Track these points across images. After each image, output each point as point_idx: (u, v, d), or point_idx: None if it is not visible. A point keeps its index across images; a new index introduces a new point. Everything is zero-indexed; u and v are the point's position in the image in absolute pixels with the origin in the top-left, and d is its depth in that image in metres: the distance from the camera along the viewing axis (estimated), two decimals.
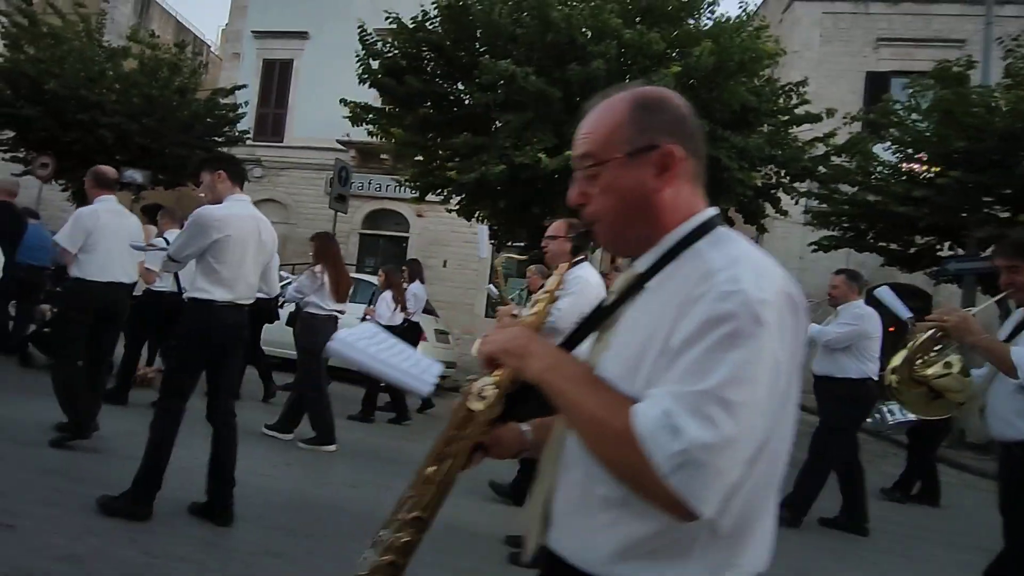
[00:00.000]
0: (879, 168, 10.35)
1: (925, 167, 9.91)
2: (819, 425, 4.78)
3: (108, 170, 4.51)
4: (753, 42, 7.60)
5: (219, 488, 3.29)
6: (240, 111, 14.28)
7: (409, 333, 7.09)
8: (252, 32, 18.68)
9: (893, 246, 11.23)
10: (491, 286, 9.31)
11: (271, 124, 18.47)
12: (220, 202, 3.34)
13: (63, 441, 4.01)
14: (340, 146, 17.51)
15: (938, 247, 10.96)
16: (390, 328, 6.48)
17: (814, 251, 12.18)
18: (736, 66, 7.48)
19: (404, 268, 7.42)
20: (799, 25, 15.97)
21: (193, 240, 3.26)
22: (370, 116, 9.57)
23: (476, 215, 10.14)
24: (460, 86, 9.01)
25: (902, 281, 13.53)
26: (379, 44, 9.11)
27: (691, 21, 8.12)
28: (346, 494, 4.16)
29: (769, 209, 9.87)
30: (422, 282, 7.52)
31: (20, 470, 3.60)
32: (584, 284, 3.31)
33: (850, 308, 4.79)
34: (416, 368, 1.11)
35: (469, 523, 3.62)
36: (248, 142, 15.62)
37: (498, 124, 8.45)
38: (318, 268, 5.34)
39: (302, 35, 18.53)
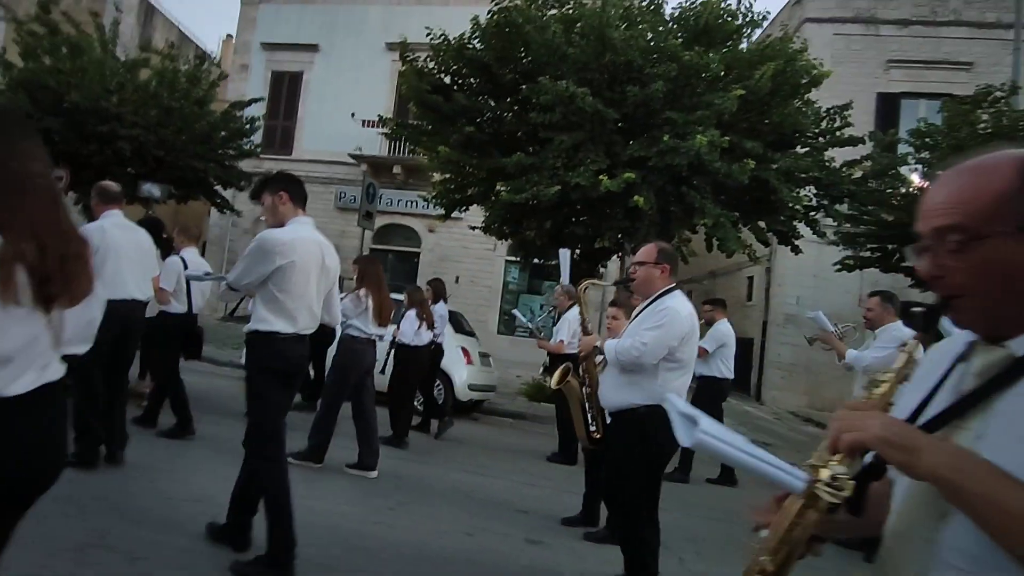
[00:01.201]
0: (910, 190, 10.44)
1: None
2: None
3: (112, 185, 4.33)
4: (808, 64, 7.64)
5: (241, 515, 3.13)
6: (257, 123, 14.05)
7: (436, 355, 6.91)
8: (261, 44, 18.51)
9: None
10: (517, 311, 9.14)
11: (279, 137, 18.23)
12: (282, 225, 3.11)
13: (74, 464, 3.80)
14: (351, 160, 17.35)
15: None
16: (417, 348, 6.45)
17: (838, 271, 12.26)
18: (791, 88, 7.50)
19: (428, 287, 7.28)
20: (811, 46, 16.16)
21: (255, 266, 3.02)
22: (407, 133, 9.41)
23: (502, 234, 9.97)
24: (496, 105, 8.91)
25: (921, 300, 13.72)
26: (420, 60, 8.98)
27: (743, 44, 8.14)
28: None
29: (802, 230, 9.91)
30: (445, 301, 7.39)
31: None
32: (674, 315, 3.07)
33: (888, 331, 4.69)
34: (783, 465, 1.01)
35: None
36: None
37: (531, 146, 8.39)
38: (362, 292, 5.25)
39: (312, 48, 18.39)
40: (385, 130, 9.75)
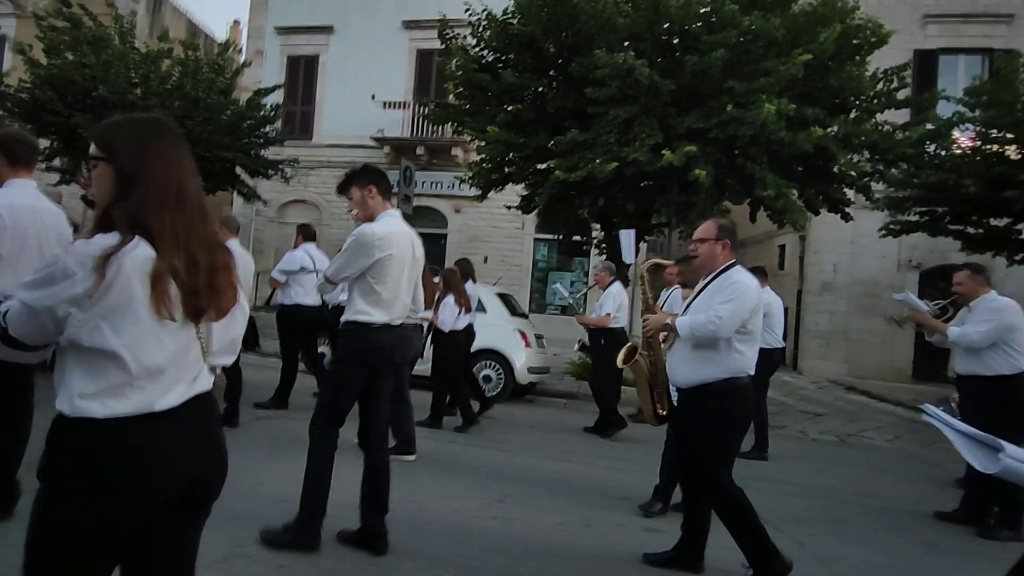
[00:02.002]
0: (961, 150, 10.13)
1: (1007, 148, 9.72)
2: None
3: None
4: (873, 23, 7.32)
5: (374, 516, 3.16)
6: (280, 110, 13.83)
7: (470, 337, 6.77)
8: (275, 28, 18.16)
9: (970, 229, 11.03)
10: (559, 285, 8.95)
11: (299, 123, 17.98)
12: (372, 219, 3.16)
13: None
14: (372, 143, 17.12)
15: (1016, 229, 10.76)
16: (454, 333, 6.30)
17: (883, 236, 12.00)
18: (852, 50, 7.21)
19: (456, 268, 7.11)
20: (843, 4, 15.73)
21: (356, 260, 3.10)
22: (449, 114, 9.18)
23: (550, 213, 9.77)
24: (540, 81, 8.63)
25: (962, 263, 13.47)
26: (462, 38, 8.71)
27: (796, 4, 7.79)
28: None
29: (852, 196, 9.65)
30: (474, 281, 7.28)
31: None
32: (744, 288, 3.14)
33: (984, 303, 4.56)
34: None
35: None
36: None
37: (578, 122, 8.14)
38: None
39: (327, 30, 18.03)
40: (427, 112, 9.46)
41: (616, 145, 7.42)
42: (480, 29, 8.65)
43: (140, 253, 1.28)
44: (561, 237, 11.34)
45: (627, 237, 5.19)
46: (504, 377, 7.95)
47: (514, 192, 11.45)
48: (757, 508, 3.16)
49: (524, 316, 8.92)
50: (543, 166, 9.22)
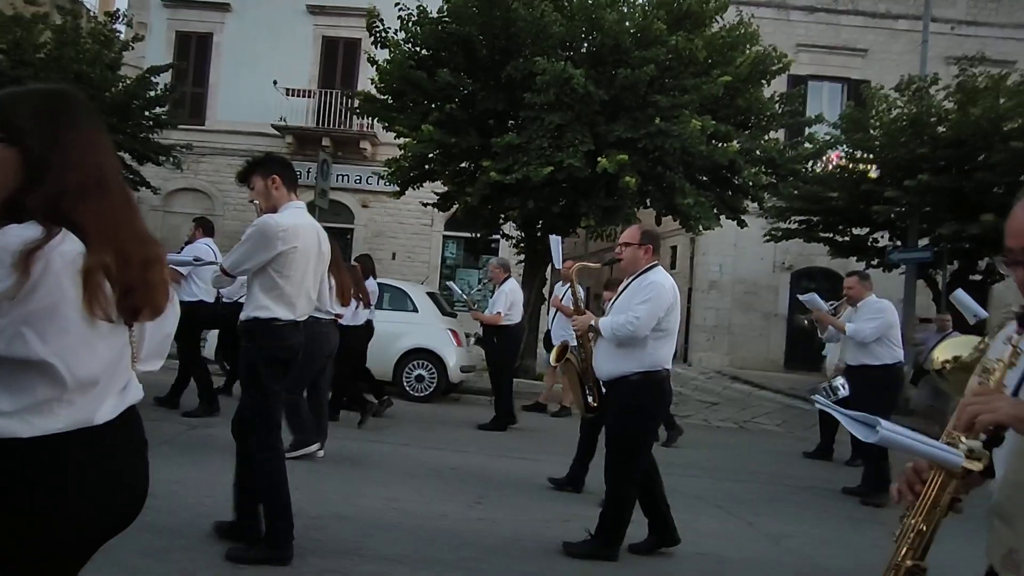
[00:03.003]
0: (831, 168, 11.54)
1: (868, 167, 11.25)
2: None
3: None
4: (780, 53, 8.16)
5: (248, 506, 3.09)
6: (174, 92, 12.81)
7: (369, 334, 6.77)
8: (161, 0, 16.70)
9: (837, 237, 12.56)
10: (452, 284, 9.13)
11: (189, 105, 16.67)
12: (275, 210, 3.04)
13: None
14: (274, 131, 16.29)
15: (873, 238, 12.40)
16: (355, 328, 6.27)
17: (767, 241, 13.34)
18: (759, 74, 8.01)
19: (356, 264, 7.12)
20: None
21: (256, 252, 2.96)
22: (375, 109, 9.03)
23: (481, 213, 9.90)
24: (473, 82, 8.76)
25: (825, 267, 15.28)
26: (392, 34, 8.59)
27: (713, 27, 8.50)
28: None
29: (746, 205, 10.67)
30: (374, 277, 7.32)
31: None
32: (659, 288, 3.37)
33: (870, 304, 5.35)
34: (942, 446, 1.24)
35: None
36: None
37: (507, 125, 8.36)
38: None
39: (223, 7, 16.86)
40: (356, 104, 9.24)
41: (549, 150, 7.72)
42: (410, 24, 8.60)
43: (69, 248, 1.11)
44: (479, 235, 11.50)
45: (556, 243, 5.47)
46: (437, 376, 8.01)
47: (430, 190, 11.49)
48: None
49: (453, 315, 9.00)
50: (465, 165, 9.36)
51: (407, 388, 7.98)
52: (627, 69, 7.46)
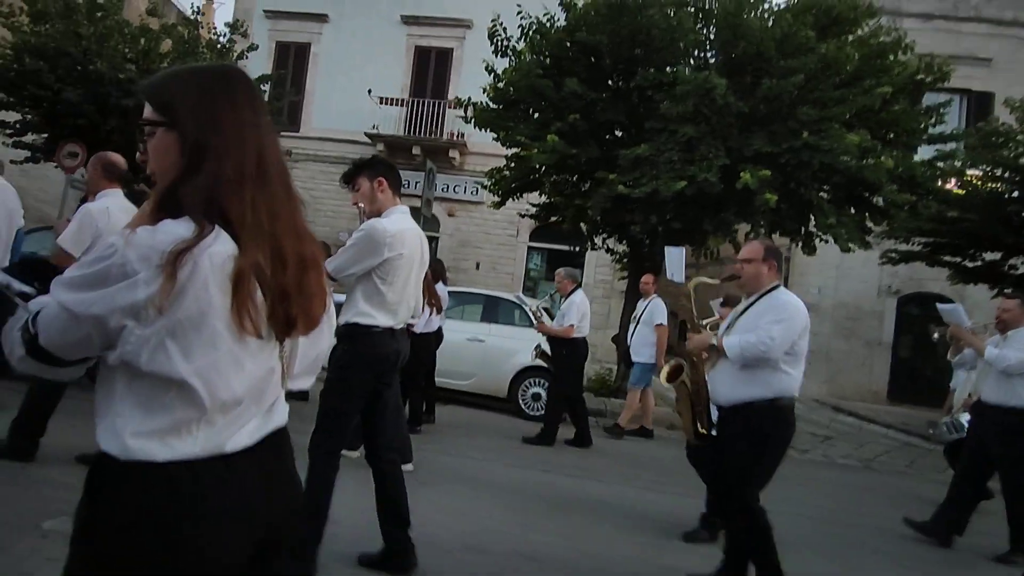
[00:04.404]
0: (966, 188, 10.61)
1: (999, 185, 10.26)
2: (1001, 461, 4.53)
3: (119, 159, 3.95)
4: (943, 60, 7.52)
5: (399, 532, 2.96)
6: (280, 100, 13.09)
7: (438, 341, 6.58)
8: (264, 12, 17.24)
9: (967, 262, 11.58)
10: (518, 295, 8.73)
11: (286, 112, 17.09)
12: (379, 214, 2.95)
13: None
14: (366, 139, 16.48)
15: (1011, 264, 11.35)
16: (426, 336, 6.05)
17: (883, 263, 12.46)
18: (915, 84, 7.39)
19: (427, 270, 6.80)
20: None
21: (362, 258, 2.85)
22: (491, 118, 8.85)
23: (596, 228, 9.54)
24: (597, 92, 8.42)
25: (939, 292, 14.16)
26: (519, 41, 8.40)
27: (858, 33, 7.91)
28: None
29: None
30: (445, 283, 7.16)
31: None
32: (794, 309, 3.14)
33: (1022, 332, 4.53)
34: None
35: None
36: None
37: (629, 136, 8.01)
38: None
39: (320, 18, 17.28)
40: (464, 115, 9.11)
41: (679, 163, 7.31)
42: (531, 33, 8.38)
43: (221, 249, 1.00)
44: (577, 248, 11.18)
45: (677, 255, 5.04)
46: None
47: (526, 201, 11.24)
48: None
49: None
50: (569, 177, 9.05)
51: (523, 406, 7.71)
52: (771, 79, 6.98)
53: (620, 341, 7.86)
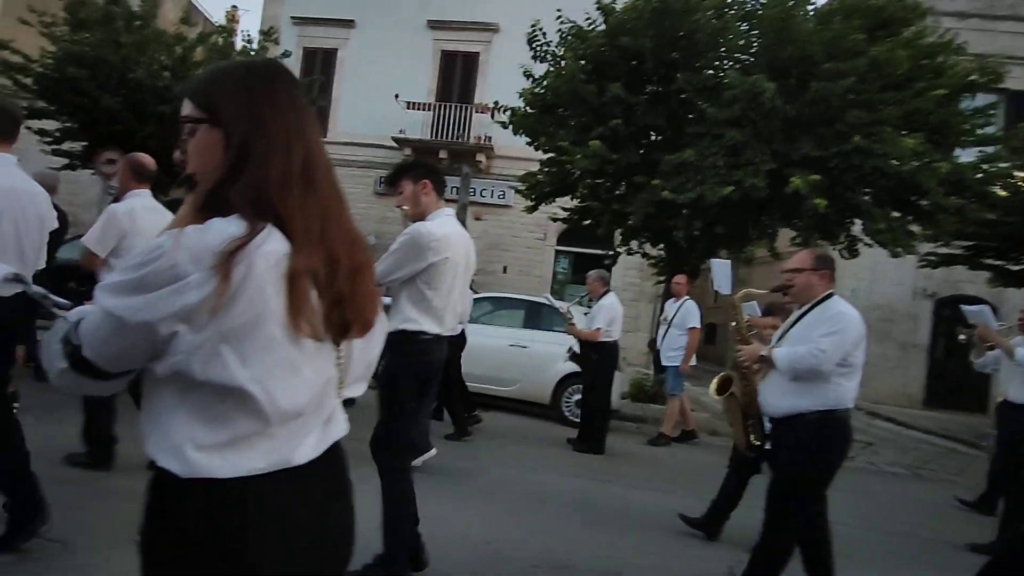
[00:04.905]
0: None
1: None
2: None
3: (148, 159, 3.95)
4: (996, 62, 7.37)
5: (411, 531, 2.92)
6: (312, 105, 13.15)
7: (461, 344, 6.44)
8: (291, 18, 17.37)
9: (1011, 266, 11.35)
10: (547, 295, 8.60)
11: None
12: (423, 217, 2.88)
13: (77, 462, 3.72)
14: (392, 143, 16.54)
15: None
16: (451, 340, 5.93)
17: (921, 266, 12.25)
18: (966, 86, 7.24)
19: None
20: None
21: (407, 262, 2.79)
22: (532, 122, 8.80)
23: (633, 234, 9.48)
24: (636, 96, 8.34)
25: (974, 295, 13.88)
26: (559, 47, 8.35)
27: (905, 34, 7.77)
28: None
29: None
30: (473, 290, 7.00)
31: None
32: (847, 320, 3.03)
33: None
34: None
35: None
36: None
37: (668, 140, 7.92)
38: None
39: (347, 24, 17.37)
40: (502, 120, 9.08)
41: (724, 169, 7.22)
42: (570, 38, 8.32)
43: (274, 248, 0.94)
44: (612, 252, 11.11)
45: (724, 268, 4.94)
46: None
47: (557, 205, 11.19)
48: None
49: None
50: (602, 181, 8.97)
51: (566, 413, 7.63)
52: (819, 82, 6.87)
53: (653, 345, 7.77)
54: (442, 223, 2.87)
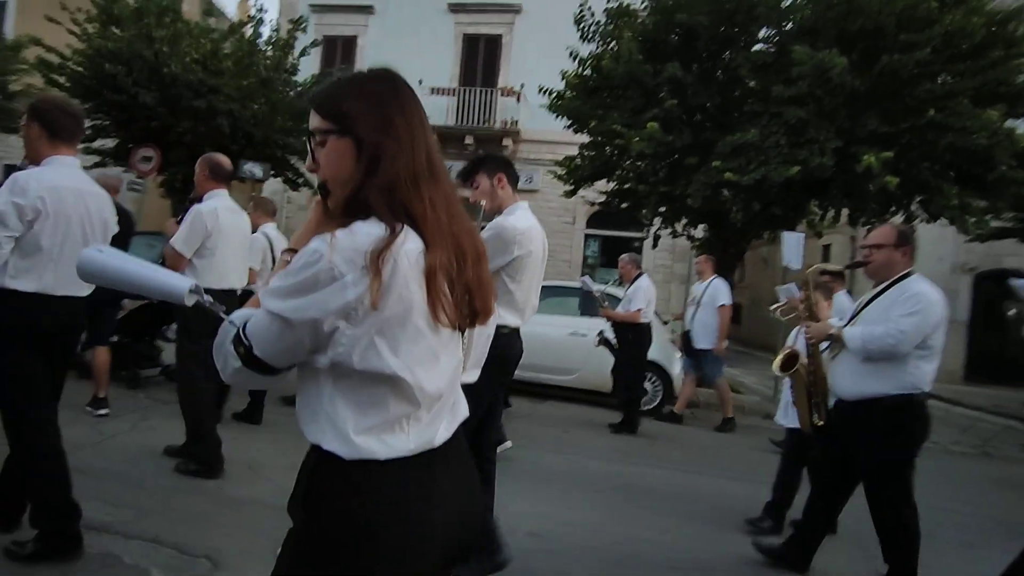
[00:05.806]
0: None
1: None
2: None
3: (225, 160, 3.93)
4: None
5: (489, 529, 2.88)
6: None
7: None
8: (310, 6, 17.08)
9: None
10: (586, 278, 8.45)
11: None
12: (500, 211, 2.86)
13: (188, 470, 3.68)
14: None
15: None
16: None
17: (968, 241, 11.98)
18: None
19: None
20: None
21: (493, 257, 2.71)
22: (579, 105, 8.57)
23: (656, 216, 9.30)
24: (688, 75, 8.10)
25: (1016, 267, 13.62)
26: (605, 26, 8.10)
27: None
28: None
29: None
30: None
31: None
32: (928, 301, 2.89)
33: None
34: None
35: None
36: None
37: (724, 120, 7.68)
38: None
39: (366, 10, 17.08)
40: (543, 103, 8.87)
41: (787, 148, 7.00)
42: (619, 19, 8.07)
43: (413, 247, 1.02)
44: (654, 235, 10.92)
45: (796, 241, 4.76)
46: (662, 388, 7.49)
47: (595, 188, 11.00)
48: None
49: (664, 323, 8.47)
50: (641, 164, 8.76)
51: None
52: (890, 55, 6.61)
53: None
54: (522, 216, 2.84)
